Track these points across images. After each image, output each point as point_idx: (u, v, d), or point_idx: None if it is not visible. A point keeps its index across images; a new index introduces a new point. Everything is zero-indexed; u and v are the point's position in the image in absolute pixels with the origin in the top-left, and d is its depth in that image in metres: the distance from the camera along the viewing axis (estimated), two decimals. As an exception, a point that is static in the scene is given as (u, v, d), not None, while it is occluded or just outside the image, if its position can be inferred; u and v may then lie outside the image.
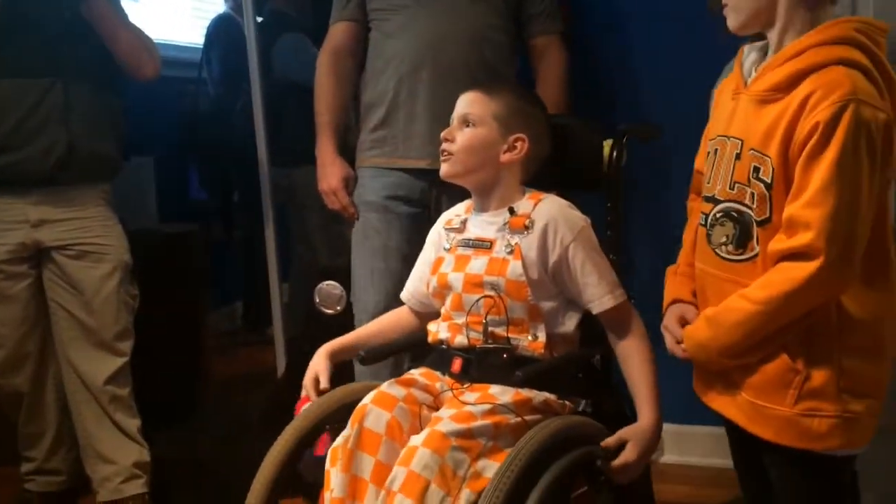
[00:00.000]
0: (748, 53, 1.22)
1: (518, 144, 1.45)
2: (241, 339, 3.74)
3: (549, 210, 1.42)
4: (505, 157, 1.44)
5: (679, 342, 1.25)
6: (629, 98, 2.16)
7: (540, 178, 1.49)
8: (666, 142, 1.65)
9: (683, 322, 1.27)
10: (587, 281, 1.38)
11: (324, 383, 1.45)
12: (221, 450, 2.28)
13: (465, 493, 1.19)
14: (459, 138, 1.44)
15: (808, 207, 1.07)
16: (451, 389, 1.34)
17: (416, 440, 1.23)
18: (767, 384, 1.15)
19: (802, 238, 1.07)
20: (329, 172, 1.98)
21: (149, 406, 2.79)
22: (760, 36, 1.25)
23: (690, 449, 2.23)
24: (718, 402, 1.23)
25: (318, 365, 1.47)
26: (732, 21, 1.17)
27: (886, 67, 1.10)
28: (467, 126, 1.44)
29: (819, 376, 1.12)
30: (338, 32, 1.99)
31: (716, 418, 1.28)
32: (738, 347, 1.16)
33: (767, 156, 1.10)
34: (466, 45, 1.84)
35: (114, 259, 2.08)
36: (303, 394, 1.46)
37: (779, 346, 1.13)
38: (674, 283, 1.33)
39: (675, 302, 1.30)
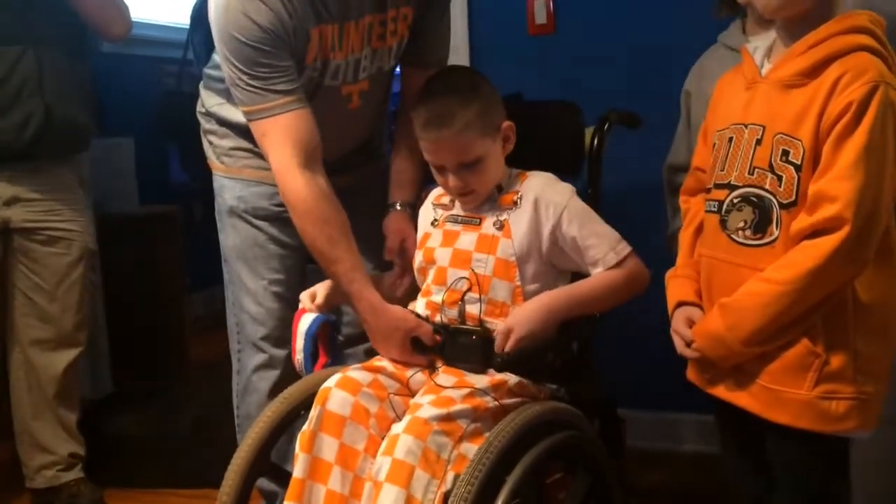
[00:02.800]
0: (754, 48, 1.25)
1: (508, 133, 1.45)
2: (222, 322, 3.75)
3: (536, 184, 1.43)
4: (506, 150, 1.45)
5: (689, 344, 1.24)
6: (610, 87, 2.17)
7: (523, 161, 1.49)
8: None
9: (691, 324, 1.26)
10: (588, 243, 1.39)
11: (319, 299, 1.45)
12: (199, 431, 2.28)
13: (451, 476, 1.20)
14: (473, 180, 1.40)
15: (836, 181, 1.09)
16: (430, 368, 1.34)
17: (398, 428, 1.23)
18: (786, 368, 1.15)
19: (828, 210, 1.09)
20: (391, 331, 1.43)
21: (127, 387, 2.80)
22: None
23: (667, 435, 2.25)
24: (723, 390, 1.23)
25: (319, 285, 1.48)
26: (782, 6, 1.15)
27: (893, 57, 1.15)
28: (472, 166, 1.39)
29: (837, 359, 1.14)
30: (296, 123, 1.48)
31: (691, 406, 1.28)
32: (763, 333, 1.15)
33: (798, 139, 1.13)
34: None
35: (81, 246, 2.04)
36: (300, 306, 1.47)
37: (800, 330, 1.13)
38: (676, 286, 1.31)
39: (680, 305, 1.29)
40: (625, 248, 1.40)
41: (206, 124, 1.78)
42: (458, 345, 1.36)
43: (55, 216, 2.00)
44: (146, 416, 2.38)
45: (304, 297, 1.48)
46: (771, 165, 1.16)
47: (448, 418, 1.23)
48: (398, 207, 1.64)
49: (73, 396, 2.11)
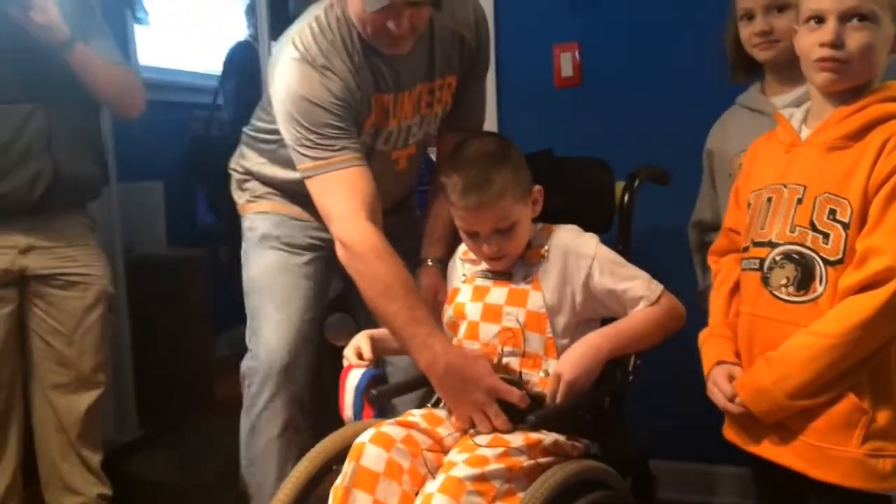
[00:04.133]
0: (790, 114, 1.29)
1: (538, 196, 1.48)
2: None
3: (563, 237, 1.46)
4: (535, 212, 1.48)
5: (731, 399, 1.24)
6: (637, 139, 2.19)
7: (555, 217, 1.51)
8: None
9: (732, 381, 1.25)
10: (624, 286, 1.41)
11: (367, 353, 1.46)
12: (223, 479, 2.27)
13: None
14: (507, 245, 1.42)
15: (886, 235, 1.11)
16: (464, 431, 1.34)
17: (432, 487, 1.23)
18: (832, 425, 1.15)
19: (878, 264, 1.11)
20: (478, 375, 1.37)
21: (154, 429, 2.82)
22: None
23: (701, 488, 2.23)
24: (767, 448, 1.23)
25: (360, 339, 1.49)
26: (844, 79, 1.19)
27: None
28: (506, 233, 1.41)
29: (883, 415, 1.14)
30: (360, 179, 1.52)
31: (726, 458, 1.27)
32: (811, 386, 1.15)
33: (845, 198, 1.15)
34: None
35: (97, 289, 2.07)
36: (345, 363, 1.47)
37: (847, 385, 1.14)
38: (713, 345, 1.31)
39: (719, 363, 1.29)
40: (658, 286, 1.42)
41: (240, 176, 1.84)
42: (504, 402, 1.35)
43: (71, 262, 2.04)
44: (170, 461, 2.39)
45: (350, 353, 1.49)
46: (812, 224, 1.18)
47: (482, 478, 1.23)
48: (430, 263, 1.69)
49: (96, 437, 2.13)
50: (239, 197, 1.86)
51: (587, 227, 1.50)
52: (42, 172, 1.92)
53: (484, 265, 1.50)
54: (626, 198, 1.58)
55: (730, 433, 1.30)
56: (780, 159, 1.26)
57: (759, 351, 1.24)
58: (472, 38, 1.69)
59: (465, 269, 1.53)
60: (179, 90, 3.48)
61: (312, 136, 1.52)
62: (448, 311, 1.51)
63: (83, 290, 2.05)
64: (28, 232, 1.98)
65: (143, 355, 2.89)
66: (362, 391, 1.42)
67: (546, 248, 1.44)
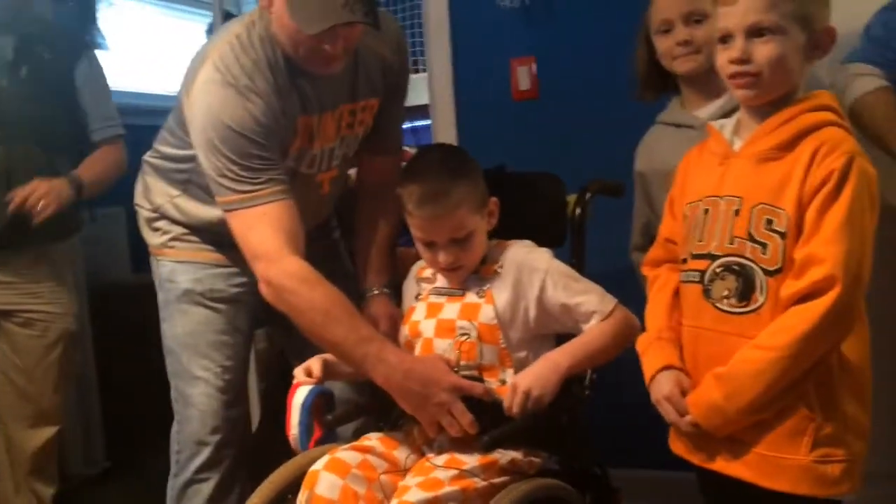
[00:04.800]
0: (721, 125, 1.29)
1: (493, 209, 1.47)
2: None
3: (516, 253, 1.45)
4: (490, 225, 1.47)
5: (682, 415, 1.23)
6: (594, 151, 2.20)
7: (508, 232, 1.50)
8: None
9: (682, 392, 1.24)
10: (577, 300, 1.40)
11: (315, 371, 1.43)
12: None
13: None
14: (463, 255, 1.41)
15: (823, 245, 1.11)
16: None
17: None
18: (781, 435, 1.16)
19: (818, 273, 1.11)
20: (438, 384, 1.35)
21: (121, 461, 2.78)
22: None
23: (664, 495, 2.21)
24: (716, 461, 1.22)
25: (313, 360, 1.46)
26: (761, 91, 1.20)
27: (851, 130, 1.21)
28: (462, 243, 1.41)
29: (830, 422, 1.15)
30: (285, 213, 1.46)
31: (670, 463, 1.28)
32: (761, 400, 1.14)
33: (781, 208, 1.16)
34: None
35: (59, 328, 2.06)
36: (294, 381, 1.45)
37: (795, 395, 1.14)
38: (658, 350, 1.30)
39: (665, 368, 1.27)
40: (612, 300, 1.42)
41: (148, 214, 1.74)
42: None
43: (34, 299, 2.03)
44: (137, 493, 2.35)
45: (299, 371, 1.46)
46: (750, 235, 1.18)
47: (435, 501, 1.22)
48: (377, 292, 1.64)
49: (51, 472, 2.13)
50: (151, 238, 1.74)
51: (540, 242, 1.50)
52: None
53: (438, 282, 1.49)
54: (577, 211, 1.57)
55: (677, 446, 1.29)
56: (714, 171, 1.26)
57: (703, 362, 1.23)
58: (394, 61, 1.65)
59: (420, 287, 1.52)
60: (141, 113, 3.45)
61: (235, 168, 1.44)
62: (403, 331, 1.50)
63: (43, 329, 2.04)
64: (2, 266, 1.97)
65: (110, 384, 2.84)
66: (308, 408, 1.39)
67: (500, 263, 1.44)
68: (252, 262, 1.46)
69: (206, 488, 1.66)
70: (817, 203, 1.13)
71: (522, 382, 1.33)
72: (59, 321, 2.05)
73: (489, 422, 1.33)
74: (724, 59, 1.21)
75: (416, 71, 2.98)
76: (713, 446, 1.22)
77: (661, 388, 1.25)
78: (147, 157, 1.75)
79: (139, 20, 3.74)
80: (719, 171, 1.25)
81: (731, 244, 1.20)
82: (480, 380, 1.38)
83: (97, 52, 2.24)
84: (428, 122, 2.66)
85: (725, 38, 1.21)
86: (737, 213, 1.20)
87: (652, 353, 1.30)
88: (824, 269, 1.11)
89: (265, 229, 1.44)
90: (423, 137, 3.12)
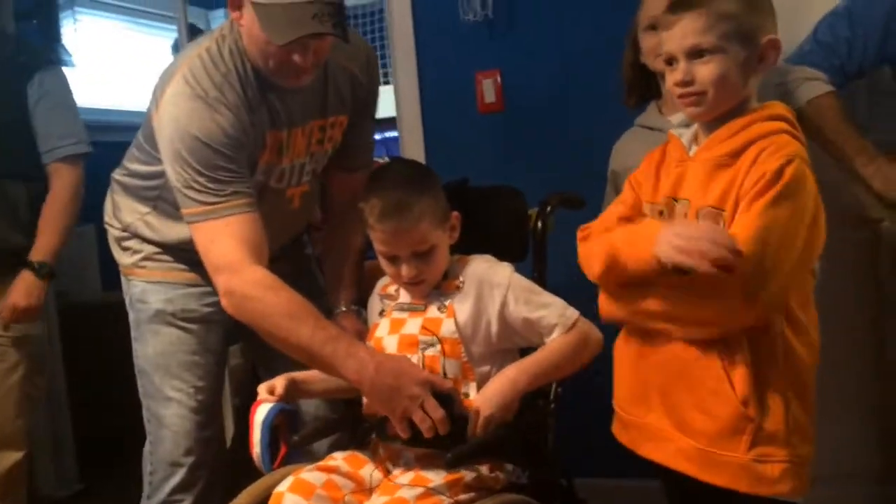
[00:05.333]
0: (681, 132, 1.32)
1: (455, 223, 1.48)
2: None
3: (477, 268, 1.46)
4: (452, 239, 1.47)
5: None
6: (557, 164, 2.22)
7: (470, 246, 1.51)
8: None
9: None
10: (538, 314, 1.40)
11: (278, 389, 1.42)
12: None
13: None
14: (426, 268, 1.42)
15: (736, 230, 1.13)
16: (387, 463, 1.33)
17: None
18: (720, 432, 1.18)
19: None
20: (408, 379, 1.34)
21: (91, 475, 2.75)
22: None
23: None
24: (660, 453, 1.26)
25: (277, 379, 1.45)
26: (708, 109, 1.23)
27: (804, 141, 1.23)
28: (424, 255, 1.41)
29: (770, 422, 1.17)
30: (248, 226, 1.45)
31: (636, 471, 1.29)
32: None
33: (722, 209, 1.18)
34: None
35: (19, 353, 2.04)
36: (258, 398, 1.44)
37: (729, 393, 1.17)
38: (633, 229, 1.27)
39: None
40: (574, 313, 1.42)
41: (118, 233, 1.73)
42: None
43: None
44: (109, 496, 2.33)
45: (262, 388, 1.45)
46: None
47: (401, 521, 1.22)
48: (343, 308, 1.65)
49: (19, 496, 2.11)
50: (122, 257, 1.73)
51: (502, 255, 1.51)
52: None
53: (401, 298, 1.50)
54: (539, 224, 1.59)
55: (621, 435, 1.33)
56: (671, 175, 1.29)
57: (651, 361, 1.26)
58: (363, 77, 1.66)
59: (383, 304, 1.52)
60: (108, 130, 3.43)
61: (202, 179, 1.44)
62: (368, 347, 1.50)
63: (1, 353, 2.02)
64: None
65: (81, 404, 2.82)
66: (269, 425, 1.37)
67: (461, 279, 1.45)
68: (213, 275, 1.45)
69: None
70: (746, 200, 1.16)
71: (484, 408, 1.34)
72: (19, 345, 2.03)
73: (454, 436, 1.33)
74: (670, 81, 1.25)
75: (385, 83, 3.01)
76: (655, 437, 1.26)
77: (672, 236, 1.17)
78: (115, 174, 1.74)
79: (104, 37, 3.71)
80: (675, 175, 1.28)
81: None
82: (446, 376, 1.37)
83: (63, 69, 2.18)
84: (397, 133, 2.67)
85: (670, 61, 1.25)
86: (685, 215, 1.23)
87: (631, 239, 1.25)
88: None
89: (228, 241, 1.43)
90: (393, 149, 3.14)
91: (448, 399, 1.33)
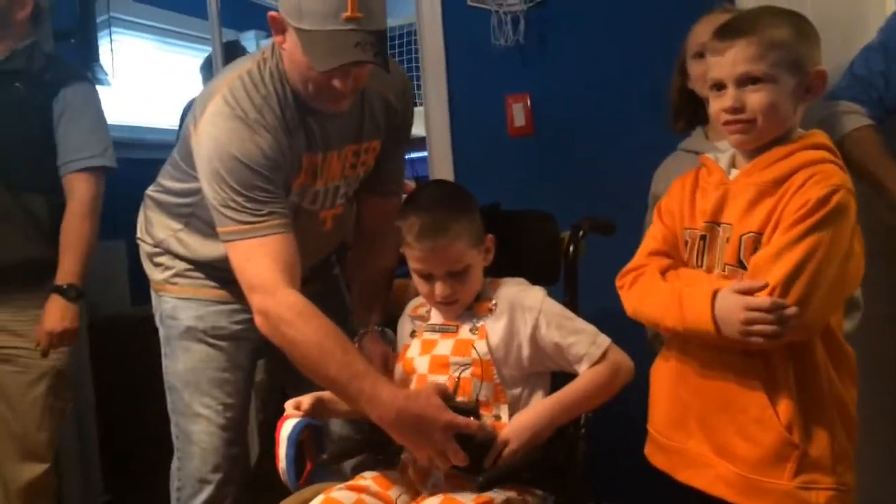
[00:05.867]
0: (717, 156, 1.32)
1: (490, 245, 1.50)
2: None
3: (510, 291, 1.47)
4: (486, 261, 1.49)
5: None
6: (588, 187, 2.22)
7: (502, 269, 1.52)
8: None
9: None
10: (569, 341, 1.41)
11: (304, 405, 1.43)
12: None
13: None
14: (460, 288, 1.44)
15: (771, 255, 1.14)
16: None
17: None
18: (764, 458, 1.18)
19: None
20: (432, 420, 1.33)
21: (117, 488, 2.77)
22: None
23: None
24: (700, 479, 1.25)
25: (305, 396, 1.46)
26: (755, 136, 1.23)
27: (846, 170, 1.23)
28: (459, 276, 1.43)
29: (815, 448, 1.17)
30: (284, 247, 1.47)
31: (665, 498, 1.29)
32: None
33: (763, 233, 1.19)
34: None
35: (43, 365, 2.05)
36: (285, 413, 1.45)
37: (773, 420, 1.17)
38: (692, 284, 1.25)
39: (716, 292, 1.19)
40: (605, 341, 1.42)
41: (150, 249, 1.76)
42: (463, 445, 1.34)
43: (13, 337, 2.04)
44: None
45: (289, 405, 1.47)
46: (740, 261, 1.21)
47: (432, 542, 1.23)
48: (371, 329, 1.65)
49: None
50: (153, 273, 1.76)
51: (534, 279, 1.52)
52: None
53: (432, 319, 1.51)
54: (570, 249, 1.59)
55: (657, 459, 1.32)
56: (710, 197, 1.28)
57: (691, 385, 1.25)
58: (398, 104, 1.68)
59: (413, 325, 1.54)
60: (141, 147, 3.49)
61: (240, 199, 1.45)
62: (398, 368, 1.51)
63: (24, 366, 2.05)
64: None
65: (109, 417, 2.84)
66: (294, 441, 1.39)
67: (494, 301, 1.46)
68: (248, 294, 1.47)
69: None
70: (787, 222, 1.16)
71: (513, 441, 1.34)
72: (42, 358, 2.04)
73: (482, 459, 1.33)
74: (717, 107, 1.25)
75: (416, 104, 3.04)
76: (694, 463, 1.25)
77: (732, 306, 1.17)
78: (149, 191, 1.77)
79: (139, 56, 3.78)
80: (715, 198, 1.27)
81: (724, 272, 1.24)
82: (477, 411, 1.38)
83: (92, 86, 2.21)
84: (425, 153, 2.70)
85: (718, 87, 1.24)
86: (727, 240, 1.23)
87: (689, 299, 1.23)
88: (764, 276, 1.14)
89: (263, 261, 1.44)
90: (420, 169, 3.16)
91: (470, 439, 1.33)
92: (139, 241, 1.79)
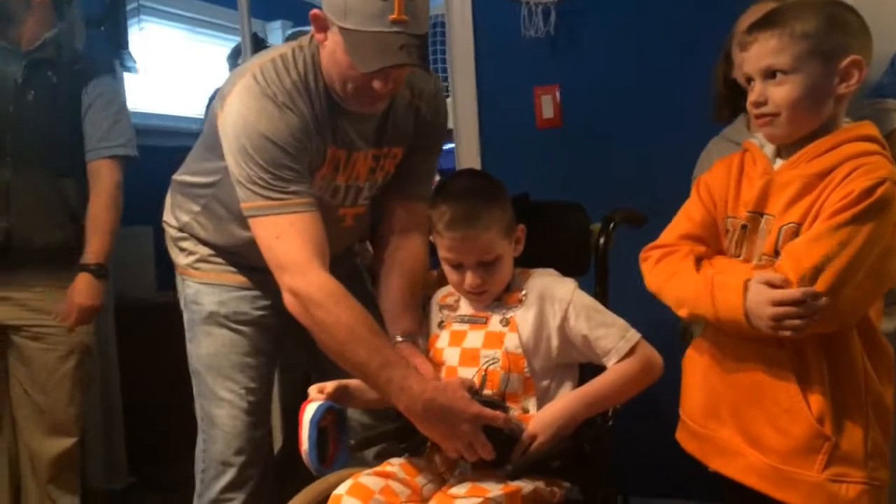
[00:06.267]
0: (762, 142, 1.30)
1: (520, 235, 1.49)
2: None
3: (540, 282, 1.46)
4: (517, 251, 1.49)
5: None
6: (616, 179, 2.22)
7: (531, 260, 1.52)
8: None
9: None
10: (598, 334, 1.40)
11: (328, 388, 1.43)
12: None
13: None
14: (490, 279, 1.43)
15: (807, 242, 1.14)
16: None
17: None
18: (794, 450, 1.18)
19: (786, 266, 1.15)
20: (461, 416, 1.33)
21: (145, 476, 2.81)
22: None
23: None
24: (731, 468, 1.26)
25: (330, 382, 1.46)
26: (783, 130, 1.22)
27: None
28: (490, 266, 1.42)
29: (847, 442, 1.17)
30: (313, 225, 1.45)
31: (713, 496, 1.29)
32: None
33: (801, 224, 1.18)
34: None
35: (71, 341, 2.12)
36: (309, 397, 1.45)
37: (805, 412, 1.17)
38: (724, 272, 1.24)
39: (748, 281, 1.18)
40: (634, 335, 1.41)
41: (175, 233, 1.76)
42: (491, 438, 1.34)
43: (41, 315, 2.10)
44: (162, 496, 2.37)
45: (312, 389, 1.47)
46: (777, 252, 1.21)
47: (460, 530, 1.23)
48: (401, 339, 1.57)
49: (71, 482, 2.18)
50: (178, 257, 1.76)
51: (564, 271, 1.51)
52: None
53: (461, 310, 1.51)
54: (601, 240, 1.59)
55: (690, 445, 1.32)
56: (754, 186, 1.27)
57: (723, 374, 1.25)
58: (427, 112, 1.65)
59: (442, 314, 1.53)
60: (168, 135, 3.51)
61: (266, 176, 1.43)
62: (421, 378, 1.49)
63: (53, 343, 2.11)
64: (3, 284, 2.06)
65: (134, 400, 2.88)
66: (316, 423, 1.38)
67: (524, 292, 1.45)
68: (277, 272, 1.44)
69: None
70: (828, 211, 1.15)
71: (540, 435, 1.34)
72: (69, 334, 2.12)
73: (509, 452, 1.33)
74: (748, 102, 1.25)
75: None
76: (726, 452, 1.25)
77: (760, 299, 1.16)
78: (176, 175, 1.78)
79: (168, 44, 3.81)
80: (759, 187, 1.26)
81: (760, 261, 1.23)
82: (503, 405, 1.38)
83: (118, 78, 2.30)
84: (450, 145, 2.69)
85: (748, 81, 1.24)
86: (768, 232, 1.22)
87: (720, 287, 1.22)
88: (790, 265, 1.14)
89: (294, 238, 1.42)
90: (445, 161, 3.16)
91: (497, 431, 1.33)
92: (164, 225, 1.80)
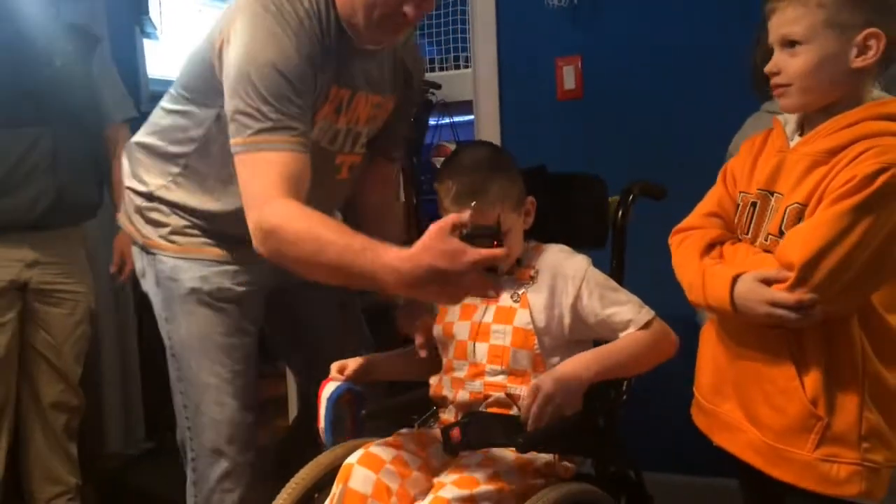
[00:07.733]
0: (786, 118, 1.28)
1: (530, 208, 1.46)
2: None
3: (553, 258, 1.44)
4: (526, 224, 1.46)
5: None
6: (637, 152, 2.18)
7: (548, 234, 1.50)
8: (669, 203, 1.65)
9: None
10: (611, 311, 1.38)
11: (349, 371, 1.43)
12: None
13: None
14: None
15: (805, 229, 1.12)
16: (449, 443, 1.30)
17: None
18: (788, 428, 1.18)
19: (783, 256, 1.14)
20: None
21: (163, 441, 2.83)
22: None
23: (697, 501, 2.20)
24: (733, 443, 1.27)
25: (351, 360, 1.46)
26: (796, 101, 1.20)
27: None
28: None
29: (840, 424, 1.16)
30: (294, 163, 1.35)
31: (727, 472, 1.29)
32: None
33: (806, 205, 1.16)
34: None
35: (84, 306, 2.22)
36: (329, 375, 1.45)
37: (799, 392, 1.16)
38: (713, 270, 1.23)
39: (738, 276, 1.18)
40: (648, 312, 1.39)
41: (141, 201, 1.60)
42: (487, 430, 1.32)
43: (66, 278, 2.18)
44: (179, 475, 2.39)
45: (334, 367, 1.47)
46: (781, 231, 1.19)
47: (471, 500, 1.22)
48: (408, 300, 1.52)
49: (75, 434, 2.27)
50: (144, 228, 1.59)
51: (581, 243, 1.49)
52: (45, 193, 2.06)
53: None
54: (619, 213, 1.56)
55: (699, 420, 1.33)
56: (768, 165, 1.25)
57: (728, 351, 1.26)
58: (413, 69, 1.64)
59: None
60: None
61: (266, 108, 1.33)
62: (436, 330, 1.49)
63: (71, 308, 2.19)
64: (35, 246, 2.11)
65: (151, 367, 2.90)
66: (334, 402, 1.39)
67: (535, 268, 1.43)
68: (247, 212, 1.33)
69: (231, 498, 1.59)
70: (830, 198, 1.12)
71: (545, 386, 1.29)
72: (83, 300, 2.21)
73: (515, 432, 1.30)
74: (765, 70, 1.22)
75: (459, 67, 3.00)
76: (729, 428, 1.26)
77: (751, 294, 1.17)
78: (139, 138, 1.62)
79: (186, 10, 3.79)
80: (772, 165, 1.24)
81: (766, 241, 1.21)
82: (498, 230, 1.25)
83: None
84: (469, 117, 2.66)
85: (771, 51, 1.22)
86: (774, 210, 1.21)
87: (711, 276, 1.23)
88: (788, 255, 1.13)
89: (270, 175, 1.32)
90: (463, 133, 3.12)
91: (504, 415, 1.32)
92: (127, 193, 1.63)
